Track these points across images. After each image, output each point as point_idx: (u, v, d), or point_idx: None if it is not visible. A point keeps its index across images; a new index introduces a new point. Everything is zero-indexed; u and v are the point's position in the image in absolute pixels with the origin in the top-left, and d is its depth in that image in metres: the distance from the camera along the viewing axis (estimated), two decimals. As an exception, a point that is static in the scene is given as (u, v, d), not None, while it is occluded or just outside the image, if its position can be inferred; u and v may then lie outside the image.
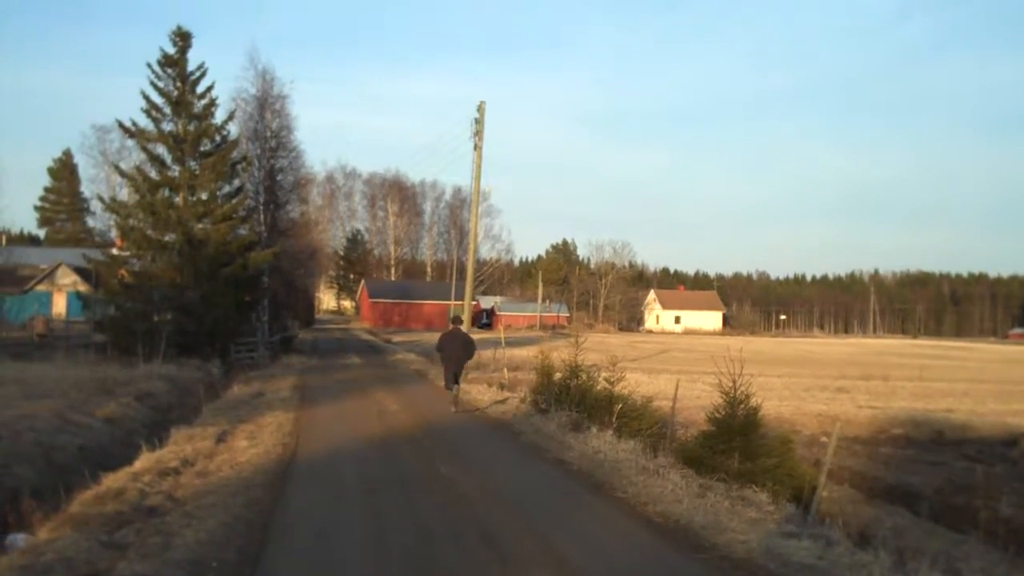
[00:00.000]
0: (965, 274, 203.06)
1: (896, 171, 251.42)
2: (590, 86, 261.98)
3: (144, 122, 38.94)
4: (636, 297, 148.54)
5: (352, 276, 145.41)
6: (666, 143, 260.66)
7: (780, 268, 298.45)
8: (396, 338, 74.95)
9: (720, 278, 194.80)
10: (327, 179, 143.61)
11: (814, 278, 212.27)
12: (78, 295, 50.04)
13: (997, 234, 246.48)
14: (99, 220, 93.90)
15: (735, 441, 13.63)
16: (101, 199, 48.44)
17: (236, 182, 42.95)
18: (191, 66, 39.28)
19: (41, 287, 69.83)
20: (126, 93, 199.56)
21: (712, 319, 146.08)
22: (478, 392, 27.30)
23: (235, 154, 41.73)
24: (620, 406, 18.51)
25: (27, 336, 46.33)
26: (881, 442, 25.49)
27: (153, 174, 39.15)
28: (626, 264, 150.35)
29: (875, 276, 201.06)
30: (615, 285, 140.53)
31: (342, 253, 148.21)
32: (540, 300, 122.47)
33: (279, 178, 50.04)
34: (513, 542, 9.80)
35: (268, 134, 48.74)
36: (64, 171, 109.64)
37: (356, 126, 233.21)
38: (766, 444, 13.92)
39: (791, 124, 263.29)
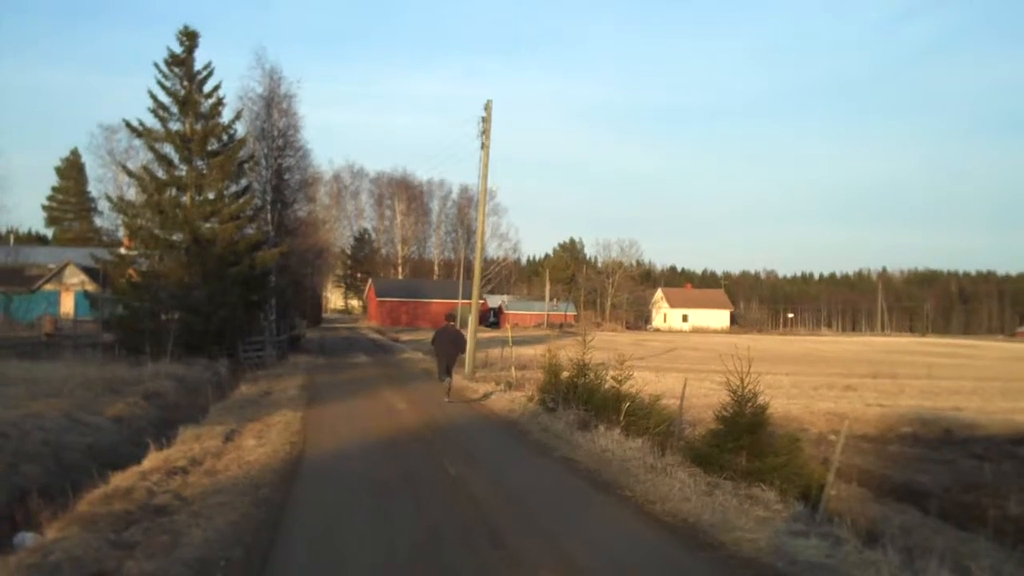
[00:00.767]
0: (973, 272, 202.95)
1: (904, 170, 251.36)
2: (597, 85, 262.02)
3: (151, 122, 39.08)
4: (643, 295, 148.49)
5: (359, 275, 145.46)
6: (674, 141, 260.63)
7: (788, 266, 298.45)
8: (403, 337, 74.96)
9: (728, 276, 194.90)
10: (334, 178, 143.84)
11: (822, 276, 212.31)
12: (86, 294, 50.29)
13: (1005, 232, 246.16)
14: (107, 219, 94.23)
15: (743, 439, 13.61)
16: (108, 198, 48.53)
17: (243, 181, 42.96)
18: (198, 65, 39.39)
19: (49, 286, 69.96)
20: (133, 93, 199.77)
21: (720, 317, 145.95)
22: (485, 389, 27.36)
23: (242, 153, 41.73)
24: (628, 404, 18.49)
25: (35, 335, 46.37)
26: (889, 440, 25.43)
27: (160, 174, 39.21)
28: (633, 263, 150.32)
29: (883, 274, 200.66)
30: (622, 284, 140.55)
31: (349, 252, 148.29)
32: (547, 299, 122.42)
33: (286, 177, 50.03)
34: (521, 541, 9.79)
35: (275, 133, 48.74)
36: (72, 171, 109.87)
37: (363, 125, 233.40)
38: (774, 442, 13.89)
39: (798, 123, 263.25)
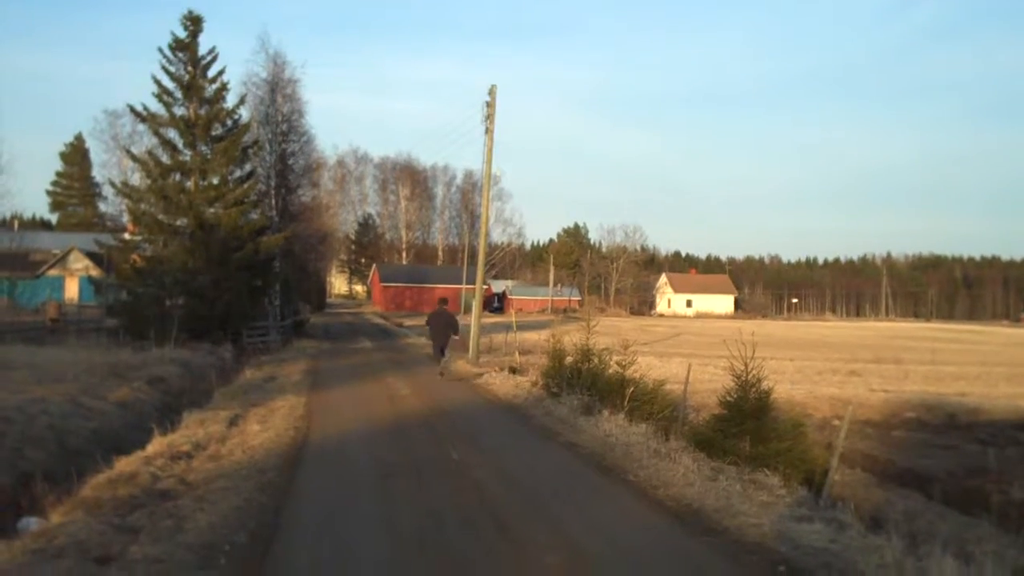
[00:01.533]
0: (978, 257, 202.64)
1: (907, 155, 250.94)
2: (599, 70, 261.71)
3: (155, 107, 39.07)
4: (648, 281, 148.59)
5: (364, 260, 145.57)
6: (677, 127, 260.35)
7: (792, 252, 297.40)
8: (408, 322, 74.95)
9: (732, 262, 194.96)
10: (338, 163, 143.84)
11: (826, 261, 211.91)
12: (90, 280, 50.19)
13: (1010, 218, 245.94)
14: (111, 205, 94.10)
15: (747, 424, 13.61)
16: (113, 184, 48.58)
17: (247, 166, 42.96)
18: (202, 50, 39.37)
19: (53, 272, 70.10)
20: (137, 78, 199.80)
21: (724, 303, 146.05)
22: (489, 375, 27.35)
23: (246, 138, 41.72)
24: (632, 390, 18.50)
25: (39, 321, 46.43)
26: (893, 425, 25.43)
27: (165, 159, 39.21)
28: (638, 248, 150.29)
29: (887, 259, 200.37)
30: (627, 269, 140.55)
31: (353, 237, 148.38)
32: (552, 284, 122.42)
33: (290, 162, 50.03)
34: (524, 525, 9.79)
35: (279, 118, 48.72)
36: (76, 156, 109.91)
37: (367, 110, 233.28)
38: (778, 427, 13.89)
39: (801, 108, 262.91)
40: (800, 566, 8.52)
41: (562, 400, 19.73)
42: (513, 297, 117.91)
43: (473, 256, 57.72)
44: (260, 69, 48.11)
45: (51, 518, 9.99)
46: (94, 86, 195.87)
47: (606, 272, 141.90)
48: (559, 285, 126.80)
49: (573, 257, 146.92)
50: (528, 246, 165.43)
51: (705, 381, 26.95)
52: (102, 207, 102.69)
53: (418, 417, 18.65)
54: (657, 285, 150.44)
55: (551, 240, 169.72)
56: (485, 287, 48.32)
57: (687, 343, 58.16)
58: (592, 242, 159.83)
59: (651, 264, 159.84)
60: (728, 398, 14.23)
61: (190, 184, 38.85)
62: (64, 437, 15.32)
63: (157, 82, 38.70)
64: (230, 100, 40.64)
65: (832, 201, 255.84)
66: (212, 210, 38.81)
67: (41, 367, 23.05)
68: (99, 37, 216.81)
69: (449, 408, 20.35)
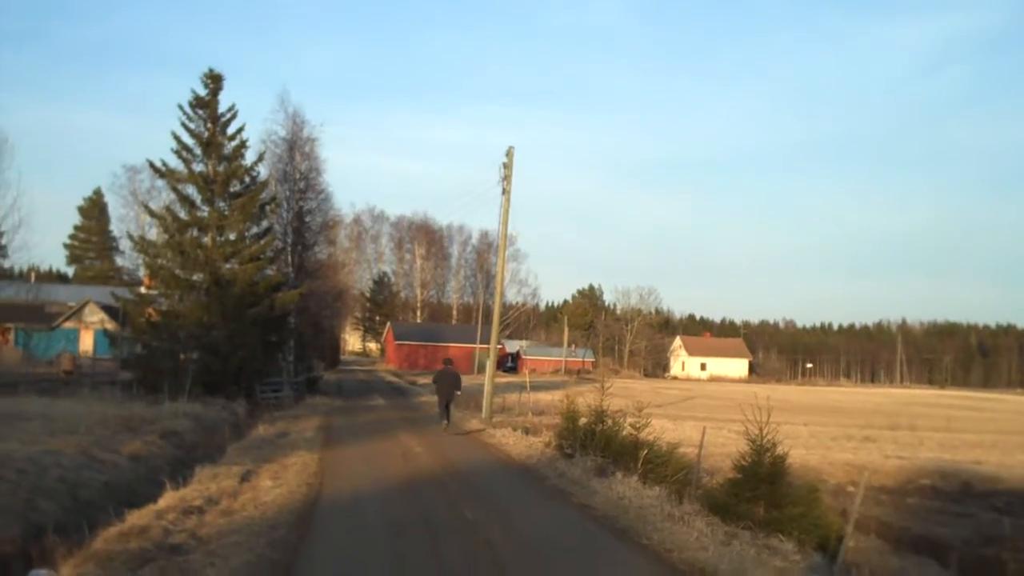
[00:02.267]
0: (993, 325, 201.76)
1: (925, 222, 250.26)
2: (616, 134, 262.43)
3: (174, 163, 39.39)
4: (662, 343, 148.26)
5: (378, 318, 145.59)
6: (693, 192, 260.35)
7: (807, 316, 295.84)
8: (421, 380, 74.89)
9: (747, 325, 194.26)
10: (355, 221, 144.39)
11: (841, 327, 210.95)
12: (105, 332, 50.40)
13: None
14: (127, 259, 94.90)
15: (761, 489, 13.54)
16: (130, 238, 48.90)
17: (264, 223, 43.22)
18: (222, 107, 39.73)
19: (69, 324, 70.30)
20: (157, 134, 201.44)
21: (738, 366, 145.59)
22: (502, 435, 27.30)
23: (264, 195, 42.01)
24: (646, 452, 18.44)
25: (54, 372, 46.59)
26: (908, 492, 25.27)
27: (182, 214, 39.45)
28: (652, 310, 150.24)
29: (903, 326, 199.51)
30: (641, 331, 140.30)
31: (368, 295, 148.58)
32: (566, 345, 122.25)
33: (307, 219, 50.32)
34: (537, 587, 9.74)
35: (297, 176, 49.08)
36: (94, 210, 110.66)
37: (384, 169, 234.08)
38: (793, 492, 13.82)
39: (819, 173, 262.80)
40: (815, 633, 8.46)
41: (575, 461, 19.67)
42: (527, 357, 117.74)
43: (487, 315, 57.78)
44: (279, 127, 48.56)
45: (62, 571, 9.96)
46: (114, 141, 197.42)
47: (620, 334, 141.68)
48: (573, 346, 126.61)
49: (587, 318, 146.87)
50: (543, 307, 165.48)
51: (719, 445, 26.85)
52: (119, 261, 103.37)
53: (431, 476, 18.60)
54: (671, 348, 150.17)
55: (565, 301, 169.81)
56: (499, 347, 48.30)
57: (701, 406, 57.95)
58: (607, 304, 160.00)
59: (665, 327, 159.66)
60: (742, 462, 14.18)
61: (207, 240, 39.06)
62: (76, 489, 15.31)
63: (176, 138, 39.06)
64: (249, 157, 41.02)
65: (848, 266, 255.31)
66: (228, 266, 38.98)
67: (54, 419, 23.08)
68: (120, 93, 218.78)
69: (462, 467, 20.30)
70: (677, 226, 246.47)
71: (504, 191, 34.17)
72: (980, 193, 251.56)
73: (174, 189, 39.84)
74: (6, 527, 12.51)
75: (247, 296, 38.31)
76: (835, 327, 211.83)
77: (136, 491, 16.32)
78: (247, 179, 40.98)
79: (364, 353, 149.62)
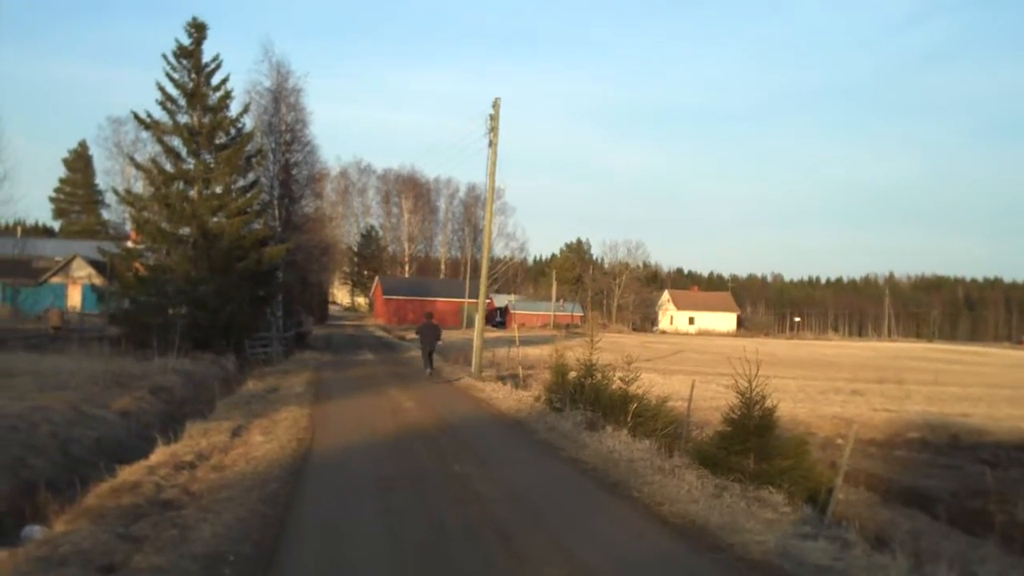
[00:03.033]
0: (980, 279, 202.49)
1: (909, 174, 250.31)
2: (602, 84, 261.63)
3: (159, 114, 39.03)
4: (650, 297, 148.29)
5: (366, 272, 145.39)
6: (679, 143, 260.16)
7: (795, 270, 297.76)
8: (410, 335, 74.92)
9: (734, 279, 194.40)
10: (341, 174, 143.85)
11: (828, 281, 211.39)
12: (93, 288, 50.30)
13: (1013, 239, 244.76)
14: (114, 212, 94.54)
15: (751, 442, 13.61)
16: (116, 191, 48.66)
17: (251, 176, 43.01)
18: (206, 58, 39.30)
19: (56, 279, 70.10)
20: (142, 85, 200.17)
21: (726, 320, 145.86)
22: (491, 390, 27.38)
23: (250, 147, 41.79)
24: (635, 406, 18.52)
25: (42, 328, 46.44)
26: (896, 445, 25.42)
27: (168, 167, 39.24)
28: (640, 264, 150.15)
29: (890, 279, 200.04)
30: (629, 285, 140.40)
31: (356, 249, 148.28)
32: (554, 299, 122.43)
33: (294, 172, 50.11)
34: (527, 540, 9.80)
35: (283, 128, 48.82)
36: (79, 163, 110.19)
37: (371, 121, 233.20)
38: (782, 445, 13.89)
39: (805, 125, 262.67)
40: (805, 584, 8.54)
41: (565, 415, 19.76)
42: (515, 312, 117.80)
43: (476, 270, 57.76)
44: (264, 78, 48.25)
45: (55, 526, 10.00)
46: (98, 93, 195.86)
47: (608, 288, 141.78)
48: (561, 300, 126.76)
49: (575, 273, 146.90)
50: (530, 261, 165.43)
51: (708, 399, 26.94)
52: (105, 215, 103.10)
53: (421, 430, 18.66)
54: (659, 302, 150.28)
55: (553, 255, 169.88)
56: (488, 301, 48.37)
57: (689, 360, 58.17)
58: (594, 258, 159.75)
59: (654, 281, 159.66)
60: (732, 415, 14.23)
61: (193, 193, 38.87)
62: (67, 445, 15.33)
63: (161, 89, 38.72)
64: (234, 109, 40.68)
65: (835, 220, 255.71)
66: (215, 219, 38.81)
67: (43, 375, 23.08)
68: (104, 43, 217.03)
69: (452, 421, 20.37)
70: (664, 179, 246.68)
71: (491, 143, 34.05)
72: (968, 144, 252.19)
73: (159, 141, 39.55)
74: (-3, 483, 12.54)
75: (235, 250, 38.21)
76: (823, 281, 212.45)
77: (127, 447, 16.37)
78: (232, 131, 40.71)
79: (353, 308, 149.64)
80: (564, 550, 9.46)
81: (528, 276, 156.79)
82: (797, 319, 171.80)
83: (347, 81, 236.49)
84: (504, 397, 25.33)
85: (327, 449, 15.71)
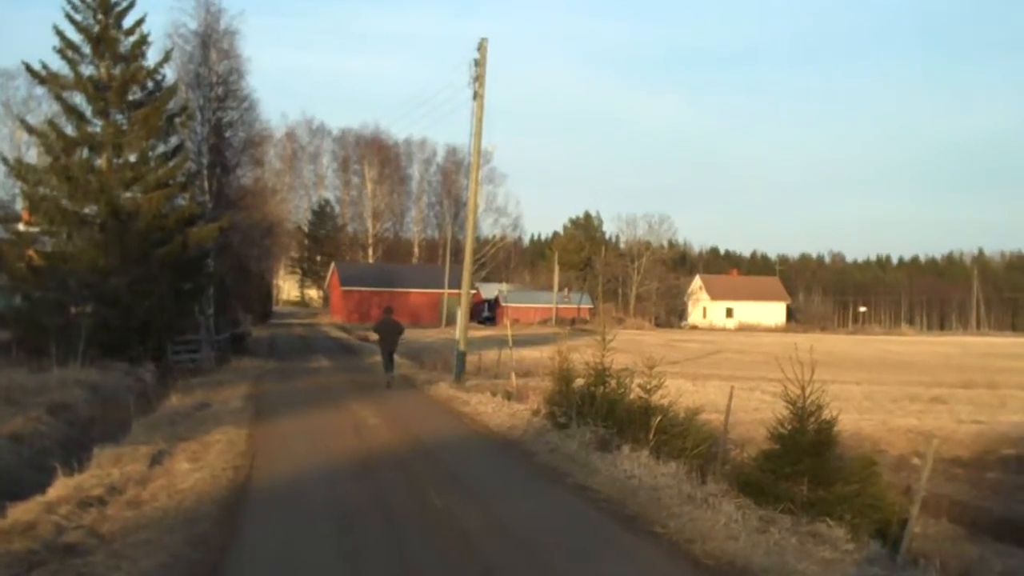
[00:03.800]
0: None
1: (1005, 127, 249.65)
2: (619, 23, 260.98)
3: (58, 64, 38.85)
4: (677, 285, 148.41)
5: (319, 258, 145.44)
6: (716, 95, 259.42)
7: (859, 248, 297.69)
8: (374, 336, 74.90)
9: (783, 261, 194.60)
10: (288, 136, 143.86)
11: (902, 261, 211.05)
12: (-27, 282, 50.19)
13: None
14: (1, 188, 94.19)
15: (804, 463, 13.61)
16: (4, 161, 48.49)
17: (173, 140, 42.89)
18: (116, -6, 39.20)
19: (-72, 272, 69.82)
20: (35, 30, 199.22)
21: (773, 312, 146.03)
22: (478, 402, 27.35)
23: (172, 104, 41.66)
24: (658, 420, 18.50)
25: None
26: (988, 465, 25.41)
27: (69, 130, 39.05)
28: (664, 243, 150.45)
29: (979, 258, 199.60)
30: (651, 270, 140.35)
31: (307, 230, 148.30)
32: (556, 288, 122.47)
33: (227, 135, 50.07)
34: (527, 590, 9.80)
35: (213, 80, 48.74)
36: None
37: (325, 70, 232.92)
38: (843, 467, 13.90)
39: (869, 69, 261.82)
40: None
41: (571, 433, 19.75)
42: (508, 305, 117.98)
43: (457, 253, 57.71)
44: (188, 18, 48.16)
45: (-75, 581, 9.98)
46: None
47: (625, 274, 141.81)
48: (566, 290, 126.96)
49: (583, 255, 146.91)
50: (527, 241, 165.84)
51: (751, 410, 26.99)
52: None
53: (391, 454, 18.67)
54: (689, 290, 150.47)
55: (555, 234, 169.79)
56: (473, 292, 48.36)
57: (727, 362, 58.23)
58: (607, 236, 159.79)
59: (682, 264, 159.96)
60: (780, 430, 14.22)
61: (101, 162, 38.75)
62: (-58, 479, 15.29)
63: (59, 34, 38.52)
64: (151, 57, 40.62)
65: (909, 185, 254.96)
66: (129, 194, 38.72)
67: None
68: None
69: (430, 442, 20.37)
70: (694, 138, 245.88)
71: (476, 95, 34.02)
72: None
73: (58, 98, 39.40)
74: None
75: (153, 232, 38.12)
76: (895, 261, 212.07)
77: (19, 479, 16.30)
78: (150, 84, 40.60)
79: (303, 302, 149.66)
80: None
81: (524, 260, 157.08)
82: (862, 309, 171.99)
83: (294, 20, 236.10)
84: (494, 411, 25.31)
85: (272, 479, 15.70)
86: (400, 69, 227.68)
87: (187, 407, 26.03)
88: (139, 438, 19.85)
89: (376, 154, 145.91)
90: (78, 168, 38.15)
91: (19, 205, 55.63)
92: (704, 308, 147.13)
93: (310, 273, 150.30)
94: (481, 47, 34.17)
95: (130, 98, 39.52)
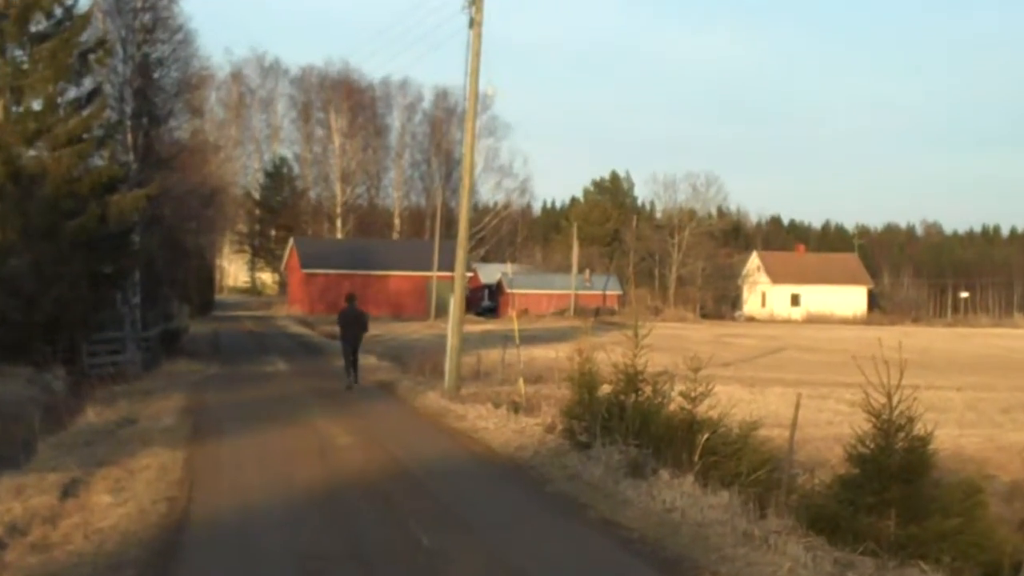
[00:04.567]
0: None
1: None
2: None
3: (-65, -14, 38.85)
4: (729, 265, 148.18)
5: (275, 232, 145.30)
6: (775, 27, 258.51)
7: (959, 218, 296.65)
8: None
9: (864, 233, 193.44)
10: (234, 78, 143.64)
11: (1015, 232, 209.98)
12: None
13: None
14: None
15: (891, 491, 13.62)
16: None
17: (88, 82, 42.86)
18: None
19: None
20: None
21: (851, 299, 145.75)
22: (476, 415, 27.38)
23: (85, 37, 41.60)
24: (705, 437, 18.52)
25: None
26: None
27: (-47, 71, 39.12)
28: (712, 211, 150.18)
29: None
30: (695, 245, 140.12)
31: (258, 196, 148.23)
32: (575, 269, 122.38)
33: (157, 76, 50.01)
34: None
35: (138, 5, 48.66)
36: None
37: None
38: (941, 496, 13.90)
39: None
40: None
41: (594, 454, 19.78)
42: (514, 291, 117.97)
43: (450, 226, 57.75)
44: (105, -77, 48.01)
45: None
46: None
47: (662, 251, 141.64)
48: (587, 271, 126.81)
49: (609, 226, 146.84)
50: (537, 209, 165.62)
51: (822, 424, 27.03)
52: None
53: (367, 482, 18.69)
54: (744, 271, 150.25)
55: (574, 200, 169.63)
56: (469, 275, 48.38)
57: (793, 363, 58.25)
58: (640, 203, 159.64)
59: (735, 238, 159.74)
60: (861, 449, 14.23)
61: (-4, 111, 38.81)
62: None
63: (-64, -54, 38.54)
64: (58, -25, 40.53)
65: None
66: (32, 153, 38.69)
67: None
68: None
69: (416, 468, 20.40)
70: (750, 82, 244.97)
71: (473, 21, 33.93)
72: None
73: (-63, 30, 39.48)
74: None
75: (63, 201, 38.08)
76: (1005, 232, 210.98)
77: None
78: (58, 12, 40.56)
79: (254, 289, 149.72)
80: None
81: (534, 234, 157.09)
82: (964, 294, 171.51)
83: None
84: (497, 426, 25.36)
85: (215, 516, 15.71)
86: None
87: (108, 423, 26.07)
88: (47, 463, 19.89)
89: (345, 99, 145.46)
90: (-35, 119, 38.20)
91: None
92: (763, 294, 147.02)
93: (263, 252, 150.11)
94: (479, -41, 34.08)
95: (32, 29, 39.49)
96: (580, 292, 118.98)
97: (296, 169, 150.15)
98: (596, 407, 21.39)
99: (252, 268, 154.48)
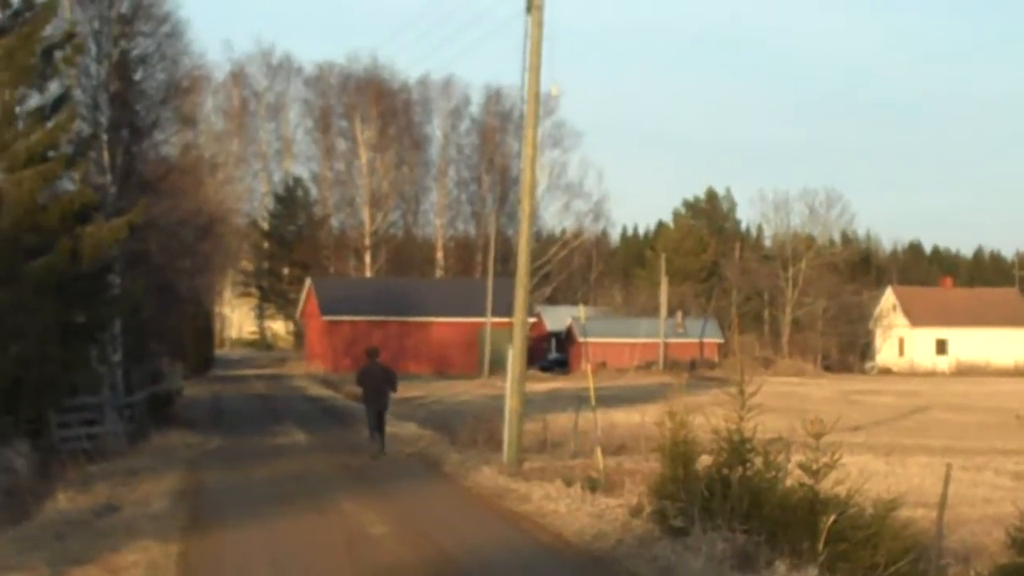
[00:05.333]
0: None
1: None
2: None
3: None
4: (858, 304, 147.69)
5: (288, 272, 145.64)
6: (907, 8, 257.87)
7: None
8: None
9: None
10: (235, 79, 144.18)
11: None
12: None
13: None
14: None
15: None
16: None
17: (54, 87, 43.13)
18: None
19: None
20: None
21: (1011, 344, 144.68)
22: (543, 496, 27.38)
23: (51, 31, 41.90)
24: (832, 520, 18.49)
25: None
26: None
27: None
28: (836, 237, 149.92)
29: None
30: (815, 280, 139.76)
31: (267, 227, 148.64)
32: (663, 312, 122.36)
33: (139, 77, 50.24)
34: None
35: (116, -9, 49.00)
36: None
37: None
38: None
39: None
40: None
41: (692, 542, 19.74)
42: (588, 340, 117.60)
43: (507, 260, 57.90)
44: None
45: None
46: None
47: (774, 287, 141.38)
48: (679, 314, 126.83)
49: (706, 258, 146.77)
50: (616, 238, 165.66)
51: (979, 502, 26.91)
52: None
53: (406, 582, 18.71)
54: (877, 312, 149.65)
55: (662, 225, 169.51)
56: (532, 321, 48.46)
57: (939, 426, 57.97)
58: (743, 227, 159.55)
59: (865, 271, 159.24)
60: (1029, 534, 14.18)
61: (-59, 124, 39.09)
62: None
63: None
64: (18, -44, 40.88)
65: None
66: (-12, 175, 39.01)
67: None
68: None
69: (468, 562, 20.38)
70: (879, 75, 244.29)
71: (531, 5, 34.04)
72: None
73: None
74: None
75: (25, 235, 38.28)
76: None
77: None
78: (16, 1, 40.87)
79: (263, 342, 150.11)
80: None
81: (612, 268, 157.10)
82: None
83: None
84: (570, 509, 25.34)
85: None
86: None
87: (83, 511, 26.15)
88: (8, 561, 19.98)
89: (373, 104, 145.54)
90: (-96, 135, 38.51)
91: None
92: (900, 340, 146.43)
93: (273, 296, 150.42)
94: (539, -67, 34.21)
95: (-13, 23, 39.85)
96: (671, 340, 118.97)
97: (313, 192, 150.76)
98: (694, 484, 21.37)
99: (260, 316, 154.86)
